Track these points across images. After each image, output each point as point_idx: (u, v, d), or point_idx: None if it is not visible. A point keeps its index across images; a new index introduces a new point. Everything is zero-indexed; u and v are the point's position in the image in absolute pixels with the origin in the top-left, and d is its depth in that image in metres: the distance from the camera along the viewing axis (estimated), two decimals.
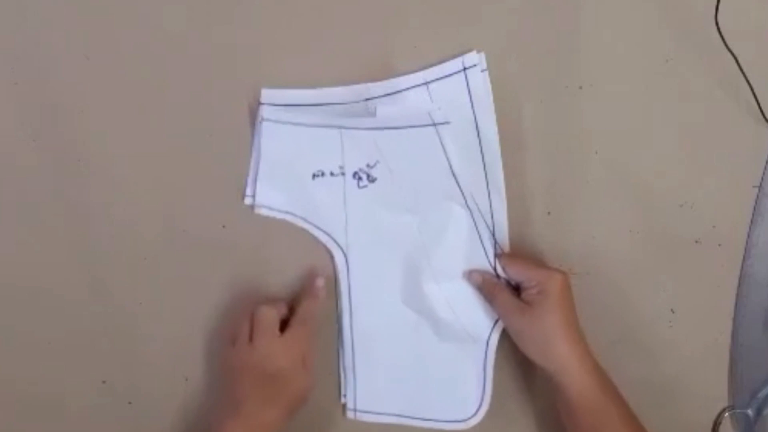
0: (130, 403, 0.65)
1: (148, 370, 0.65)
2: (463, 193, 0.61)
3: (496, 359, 0.63)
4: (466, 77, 0.60)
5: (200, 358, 0.65)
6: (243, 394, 0.58)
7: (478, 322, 0.62)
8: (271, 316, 0.60)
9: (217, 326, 0.64)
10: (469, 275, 0.62)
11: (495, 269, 0.62)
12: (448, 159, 0.60)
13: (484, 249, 0.61)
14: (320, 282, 0.62)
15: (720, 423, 0.65)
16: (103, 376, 0.65)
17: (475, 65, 0.60)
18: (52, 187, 0.63)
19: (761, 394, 0.64)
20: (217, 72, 0.61)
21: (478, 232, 0.61)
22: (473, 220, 0.61)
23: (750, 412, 0.64)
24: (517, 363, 0.63)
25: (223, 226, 0.63)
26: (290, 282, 0.64)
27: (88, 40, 0.61)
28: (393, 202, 0.62)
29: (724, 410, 0.65)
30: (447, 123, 0.60)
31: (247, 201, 0.62)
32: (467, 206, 0.61)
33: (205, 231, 0.63)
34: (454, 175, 0.61)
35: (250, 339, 0.59)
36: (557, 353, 0.57)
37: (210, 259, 0.63)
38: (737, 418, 0.65)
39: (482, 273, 0.62)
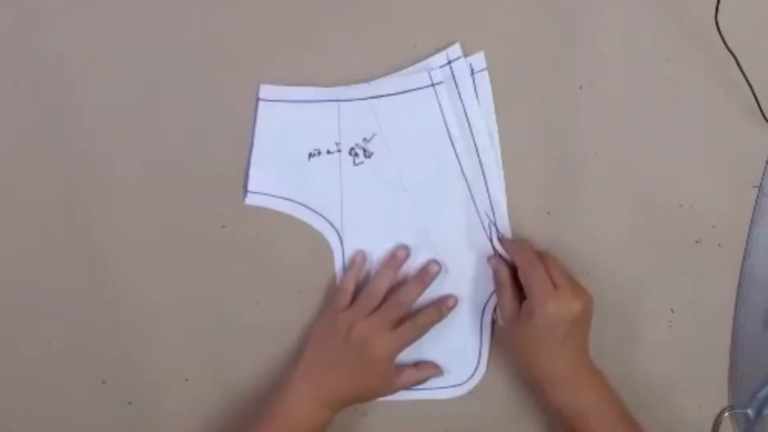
0: (130, 403, 0.65)
1: (148, 370, 0.65)
2: (459, 162, 0.61)
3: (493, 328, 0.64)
4: (451, 70, 0.61)
5: (200, 358, 0.65)
6: (328, 362, 0.60)
7: (475, 292, 0.63)
8: (406, 306, 0.61)
9: (217, 326, 0.64)
10: (488, 259, 0.63)
11: (492, 242, 0.62)
12: (445, 123, 0.61)
13: (481, 221, 0.62)
14: (451, 302, 0.63)
15: (720, 423, 0.65)
16: (103, 376, 0.65)
17: (458, 57, 0.60)
18: (52, 188, 0.63)
19: (761, 394, 0.64)
20: (217, 72, 0.61)
21: (475, 204, 0.62)
22: (470, 190, 0.62)
23: (750, 412, 0.64)
24: None
25: (223, 226, 0.63)
26: (291, 281, 0.64)
27: (88, 40, 0.61)
28: (389, 178, 0.62)
29: (724, 410, 0.65)
30: (443, 83, 0.60)
31: (248, 201, 0.63)
32: (464, 176, 0.62)
33: (205, 231, 0.63)
34: (451, 140, 0.61)
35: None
36: (534, 370, 0.58)
37: (210, 259, 0.63)
38: (737, 418, 0.65)
39: (499, 262, 0.62)
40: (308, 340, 0.62)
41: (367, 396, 0.62)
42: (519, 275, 0.60)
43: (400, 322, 0.61)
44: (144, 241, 0.63)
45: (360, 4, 0.60)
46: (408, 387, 0.63)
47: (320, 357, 0.60)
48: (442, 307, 0.63)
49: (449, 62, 0.60)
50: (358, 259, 0.63)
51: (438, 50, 0.60)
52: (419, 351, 0.64)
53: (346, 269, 0.63)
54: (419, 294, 0.62)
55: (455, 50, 0.60)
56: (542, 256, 0.60)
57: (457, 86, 0.61)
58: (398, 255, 0.62)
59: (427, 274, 0.62)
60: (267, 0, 0.60)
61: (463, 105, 0.61)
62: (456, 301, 0.63)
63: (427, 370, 0.64)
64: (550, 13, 0.60)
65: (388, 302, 0.61)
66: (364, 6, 0.60)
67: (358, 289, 0.62)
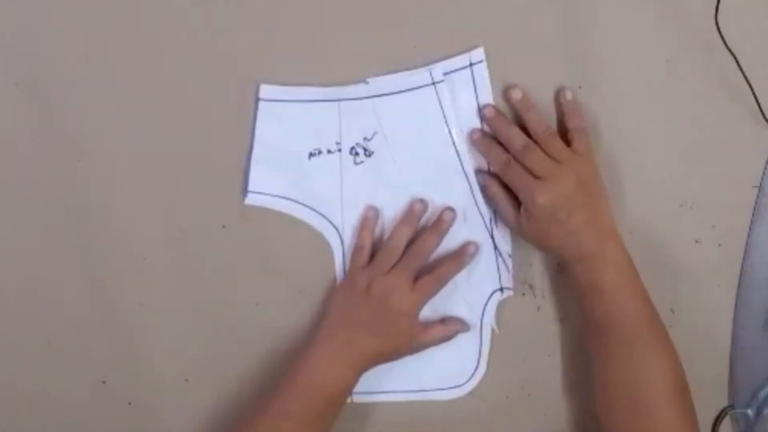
0: (130, 403, 0.65)
1: (148, 370, 0.65)
2: (460, 159, 0.61)
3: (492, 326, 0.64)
4: (472, 73, 0.61)
5: (200, 358, 0.65)
6: (350, 319, 0.59)
7: (476, 289, 0.63)
8: (423, 257, 0.60)
9: (217, 326, 0.64)
10: (476, 176, 0.62)
11: (493, 238, 0.62)
12: (446, 120, 0.61)
13: (483, 218, 0.62)
14: (471, 249, 0.62)
15: (720, 423, 0.65)
16: (103, 376, 0.65)
17: (481, 61, 0.60)
18: (52, 188, 0.63)
19: (761, 394, 0.64)
20: (217, 72, 0.61)
21: (476, 202, 0.62)
22: (471, 188, 0.62)
23: (750, 412, 0.64)
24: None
25: (223, 226, 0.63)
26: (291, 281, 0.64)
27: (88, 40, 0.61)
28: (389, 177, 0.62)
29: (724, 410, 0.65)
30: (443, 81, 0.60)
31: (248, 201, 0.63)
32: (465, 174, 0.62)
33: (205, 231, 0.63)
34: (452, 138, 0.61)
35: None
36: (561, 254, 0.58)
37: (210, 259, 0.63)
38: (737, 418, 0.65)
39: (485, 176, 0.61)
40: (330, 301, 0.62)
41: (392, 353, 0.61)
42: (503, 179, 0.60)
43: (419, 275, 0.60)
44: (144, 241, 0.63)
45: (360, 5, 0.60)
46: (435, 344, 0.62)
47: (342, 316, 0.60)
48: (463, 257, 0.62)
49: (471, 65, 0.60)
50: (370, 215, 0.62)
51: (437, 49, 0.60)
52: (421, 360, 0.63)
53: (360, 227, 0.62)
54: (437, 243, 0.61)
55: (478, 54, 0.60)
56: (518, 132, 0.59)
57: (476, 91, 0.61)
58: (415, 209, 0.62)
59: (442, 222, 0.61)
60: (267, 0, 0.60)
61: (464, 102, 0.61)
62: (477, 247, 0.62)
63: (453, 326, 0.63)
64: (550, 13, 0.60)
65: (406, 255, 0.60)
66: (364, 6, 0.60)
67: (375, 246, 0.62)
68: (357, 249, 0.62)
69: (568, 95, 0.60)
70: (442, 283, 0.61)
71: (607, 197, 0.59)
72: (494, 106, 0.61)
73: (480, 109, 0.61)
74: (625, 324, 0.56)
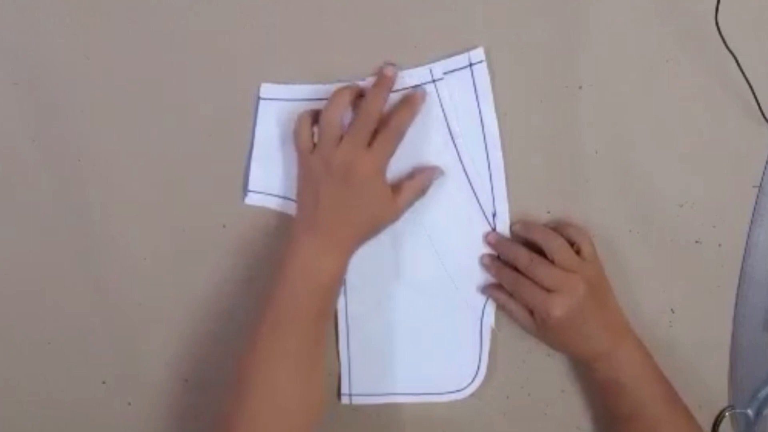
0: (129, 403, 0.65)
1: (148, 370, 0.65)
2: (460, 157, 0.61)
3: (492, 326, 0.64)
4: (472, 73, 0.61)
5: (200, 358, 0.65)
6: (321, 204, 0.56)
7: (475, 289, 0.63)
8: (372, 117, 0.57)
9: (217, 326, 0.64)
10: (482, 258, 0.63)
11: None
12: (446, 118, 0.61)
13: (485, 215, 0.62)
14: (420, 93, 0.59)
15: (720, 423, 0.65)
16: (103, 376, 0.65)
17: (481, 61, 0.60)
18: (52, 188, 0.63)
19: (761, 394, 0.64)
20: (217, 71, 0.61)
21: (477, 198, 0.62)
22: (471, 185, 0.62)
23: (750, 412, 0.64)
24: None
25: (223, 226, 0.63)
26: None
27: (88, 40, 0.61)
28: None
29: (724, 410, 0.65)
30: (443, 79, 0.60)
31: (248, 201, 0.63)
32: (466, 174, 0.62)
33: (205, 231, 0.63)
34: (451, 135, 0.61)
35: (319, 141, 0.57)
36: (574, 355, 0.60)
37: (210, 259, 0.63)
38: (737, 418, 0.65)
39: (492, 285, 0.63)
40: (297, 198, 0.60)
41: (374, 225, 0.58)
42: (516, 297, 0.60)
43: (374, 138, 0.56)
44: (144, 241, 0.63)
45: (360, 4, 0.60)
46: (412, 202, 0.60)
47: (312, 203, 0.57)
48: (414, 102, 0.59)
49: (470, 65, 0.60)
50: (311, 111, 0.59)
51: (437, 49, 0.60)
52: (417, 354, 0.64)
53: (298, 117, 0.59)
54: (383, 101, 0.57)
55: (478, 54, 0.60)
56: (526, 251, 0.60)
57: (476, 91, 0.61)
58: (349, 86, 0.58)
59: (385, 77, 0.58)
60: (267, 0, 0.60)
61: (480, 113, 0.61)
62: (424, 91, 0.59)
63: (425, 176, 0.60)
64: (551, 13, 0.60)
65: (353, 120, 0.57)
66: (364, 6, 0.60)
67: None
68: (296, 135, 0.58)
69: (559, 224, 0.62)
70: (399, 134, 0.58)
71: (613, 294, 0.61)
72: (496, 233, 0.62)
73: (484, 238, 0.62)
74: (651, 411, 0.58)
